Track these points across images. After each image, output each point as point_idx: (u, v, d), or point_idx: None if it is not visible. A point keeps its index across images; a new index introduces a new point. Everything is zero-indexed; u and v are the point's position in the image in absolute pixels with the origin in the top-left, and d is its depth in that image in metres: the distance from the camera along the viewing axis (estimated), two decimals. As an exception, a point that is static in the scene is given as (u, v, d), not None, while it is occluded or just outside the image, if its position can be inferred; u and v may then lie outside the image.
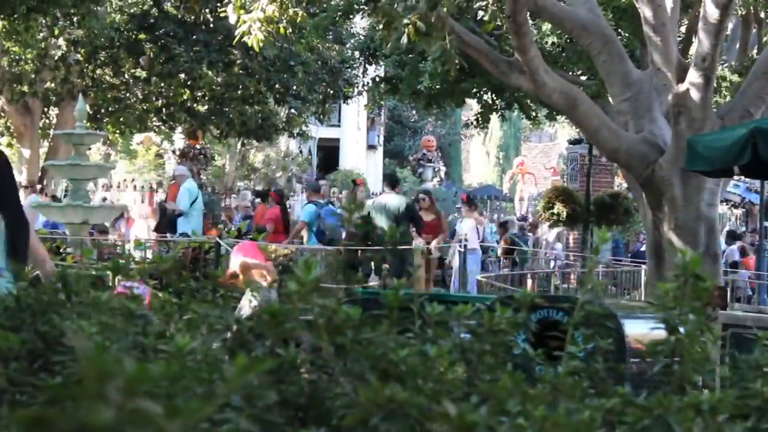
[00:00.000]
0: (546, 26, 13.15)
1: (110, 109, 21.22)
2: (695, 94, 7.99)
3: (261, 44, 8.95)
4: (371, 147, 37.73)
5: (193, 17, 20.09)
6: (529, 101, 15.00)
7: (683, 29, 12.34)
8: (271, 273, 5.80)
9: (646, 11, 8.36)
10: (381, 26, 7.76)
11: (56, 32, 19.23)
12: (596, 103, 9.45)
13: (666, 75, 8.42)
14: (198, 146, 24.58)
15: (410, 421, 1.30)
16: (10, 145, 23.82)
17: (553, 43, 13.48)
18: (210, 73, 20.12)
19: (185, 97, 21.12)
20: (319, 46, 20.43)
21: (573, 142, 19.96)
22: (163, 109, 21.90)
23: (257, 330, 1.66)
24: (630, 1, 11.41)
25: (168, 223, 13.74)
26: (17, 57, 20.11)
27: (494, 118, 16.97)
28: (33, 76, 19.94)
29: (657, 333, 1.77)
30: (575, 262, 16.64)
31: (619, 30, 12.15)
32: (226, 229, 13.01)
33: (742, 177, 16.61)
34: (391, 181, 12.41)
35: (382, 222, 10.85)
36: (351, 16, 14.68)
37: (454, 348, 1.65)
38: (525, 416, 1.30)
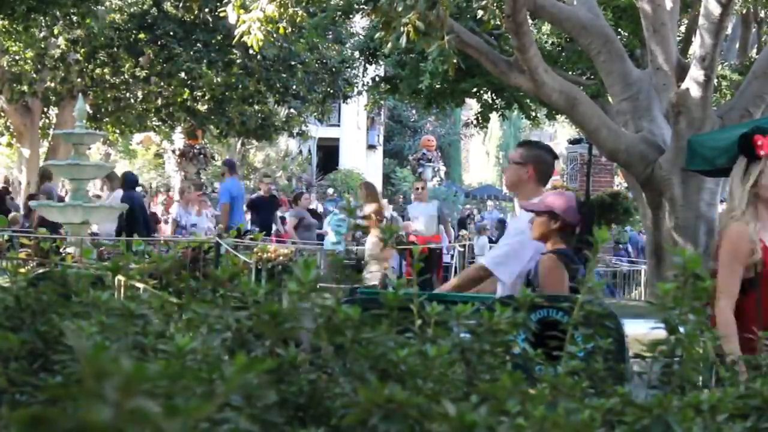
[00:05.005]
0: (546, 26, 13.15)
1: (110, 108, 21.21)
2: (695, 94, 7.98)
3: (260, 44, 8.94)
4: (371, 147, 37.78)
5: (192, 17, 20.07)
6: (528, 101, 15.00)
7: (683, 29, 12.35)
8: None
9: (645, 10, 8.36)
10: (380, 26, 7.75)
11: (56, 32, 19.21)
12: (596, 103, 9.45)
13: (666, 74, 8.42)
14: (198, 146, 24.57)
15: (409, 421, 1.30)
16: (9, 144, 23.81)
17: (552, 43, 13.48)
18: (210, 72, 20.11)
19: (185, 96, 21.10)
20: (319, 46, 20.42)
21: (573, 141, 19.96)
22: (163, 109, 21.88)
23: (257, 330, 1.66)
24: (630, 0, 11.42)
25: None
26: (17, 56, 20.10)
27: (494, 117, 16.96)
28: (33, 75, 19.92)
29: (657, 333, 1.77)
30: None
31: (619, 29, 12.14)
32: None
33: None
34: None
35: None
36: (351, 16, 14.68)
37: (453, 348, 1.65)
38: (524, 416, 1.30)
